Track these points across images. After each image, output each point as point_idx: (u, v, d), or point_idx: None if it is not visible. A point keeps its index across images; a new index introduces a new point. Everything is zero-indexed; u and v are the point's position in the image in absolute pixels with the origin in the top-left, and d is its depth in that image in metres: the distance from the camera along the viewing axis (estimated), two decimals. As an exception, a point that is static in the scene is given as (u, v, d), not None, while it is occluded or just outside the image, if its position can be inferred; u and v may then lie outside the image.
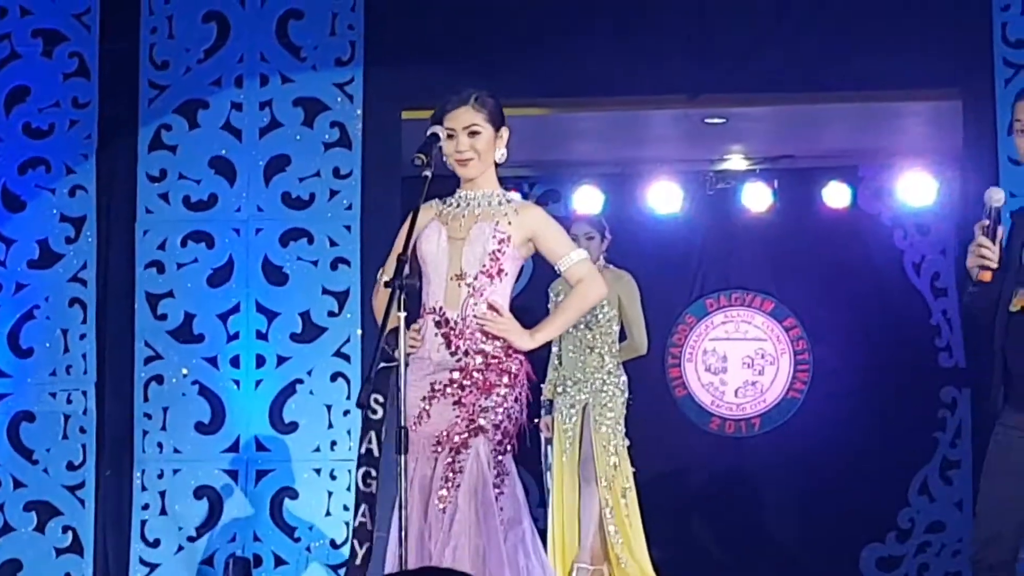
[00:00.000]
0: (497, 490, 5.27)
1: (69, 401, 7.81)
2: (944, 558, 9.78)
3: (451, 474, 5.27)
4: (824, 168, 10.34)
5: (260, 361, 7.77)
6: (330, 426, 7.71)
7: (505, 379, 5.34)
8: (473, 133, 5.42)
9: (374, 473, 5.23)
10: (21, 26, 7.93)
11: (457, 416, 5.30)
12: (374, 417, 5.15)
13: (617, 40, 7.78)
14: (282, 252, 7.80)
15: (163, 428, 7.77)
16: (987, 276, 5.08)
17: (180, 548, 7.73)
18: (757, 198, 10.40)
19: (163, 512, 7.76)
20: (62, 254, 7.88)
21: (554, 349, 8.51)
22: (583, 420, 8.32)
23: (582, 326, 8.34)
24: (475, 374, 5.33)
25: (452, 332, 5.36)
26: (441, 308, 5.37)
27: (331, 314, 7.74)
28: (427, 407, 5.32)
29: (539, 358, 7.09)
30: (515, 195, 5.61)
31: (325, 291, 7.76)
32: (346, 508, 7.64)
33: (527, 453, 5.63)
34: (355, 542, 5.36)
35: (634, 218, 10.34)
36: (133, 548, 7.75)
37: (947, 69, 7.65)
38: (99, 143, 7.90)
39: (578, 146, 10.13)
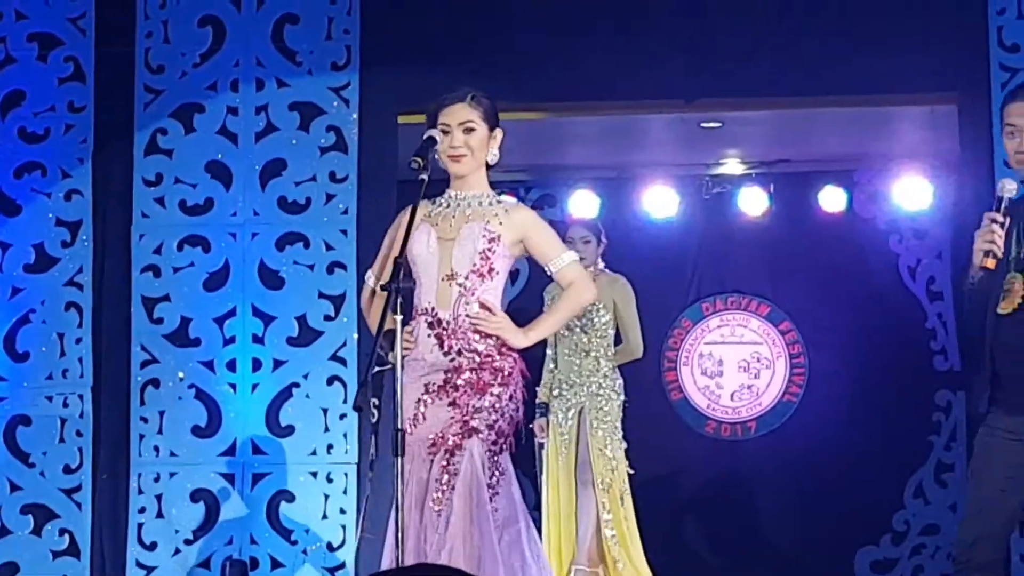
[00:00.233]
0: (492, 491, 5.29)
1: (65, 405, 7.81)
2: (939, 561, 9.78)
3: (446, 476, 5.28)
4: (820, 172, 10.34)
5: (256, 365, 7.77)
6: (326, 429, 7.71)
7: (499, 378, 5.35)
8: (468, 130, 5.44)
9: (372, 477, 5.24)
10: (16, 30, 7.93)
11: (451, 417, 5.31)
12: (373, 421, 5.17)
13: (613, 44, 7.79)
14: (278, 256, 7.81)
15: (159, 432, 7.78)
16: (991, 263, 5.10)
17: (177, 551, 7.74)
18: (753, 202, 10.40)
19: (159, 515, 7.76)
20: (58, 258, 7.88)
21: (549, 352, 8.52)
22: (579, 423, 8.34)
23: (578, 329, 8.35)
24: (468, 374, 5.34)
25: (444, 332, 5.37)
26: (433, 309, 5.39)
27: (327, 318, 7.75)
28: (422, 409, 5.33)
29: (534, 361, 7.10)
30: (509, 198, 5.61)
31: (321, 295, 7.77)
32: (343, 511, 7.66)
33: (522, 456, 5.64)
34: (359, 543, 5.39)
35: (630, 222, 10.34)
36: (130, 551, 7.75)
37: (943, 73, 7.66)
38: (95, 147, 7.91)
39: (574, 150, 10.13)
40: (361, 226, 7.72)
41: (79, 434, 7.81)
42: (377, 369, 5.05)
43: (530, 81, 7.79)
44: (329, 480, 7.69)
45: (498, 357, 5.37)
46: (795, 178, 10.39)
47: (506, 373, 5.38)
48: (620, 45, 7.79)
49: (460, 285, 5.39)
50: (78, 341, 7.83)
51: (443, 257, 5.41)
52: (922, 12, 7.67)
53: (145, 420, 7.78)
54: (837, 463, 10.07)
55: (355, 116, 7.81)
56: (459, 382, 5.33)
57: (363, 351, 7.58)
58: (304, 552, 7.69)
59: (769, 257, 10.57)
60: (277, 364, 7.76)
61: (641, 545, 8.32)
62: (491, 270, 5.41)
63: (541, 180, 10.66)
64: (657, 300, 9.80)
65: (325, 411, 7.72)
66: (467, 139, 5.44)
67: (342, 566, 7.63)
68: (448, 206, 5.50)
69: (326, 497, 7.70)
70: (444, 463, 5.29)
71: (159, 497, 7.76)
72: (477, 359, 5.35)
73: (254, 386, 7.76)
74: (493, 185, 5.59)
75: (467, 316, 5.37)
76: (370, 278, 5.61)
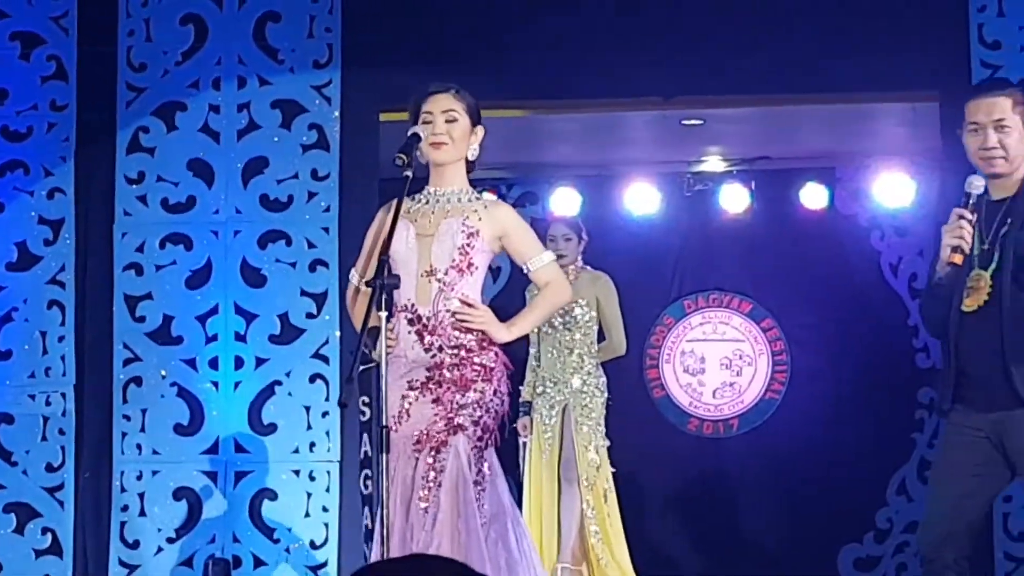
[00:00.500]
0: (479, 487, 5.29)
1: (48, 403, 7.80)
2: (922, 558, 9.80)
3: (432, 473, 5.28)
4: (802, 169, 10.36)
5: (239, 363, 7.76)
6: (309, 427, 7.70)
7: (482, 374, 5.36)
8: (450, 119, 5.46)
9: (370, 474, 5.25)
10: (-2, 29, 7.93)
11: (436, 414, 5.31)
12: (364, 419, 5.18)
13: (595, 42, 7.79)
14: (260, 254, 7.80)
15: (142, 430, 7.76)
16: (959, 259, 5.14)
17: (159, 549, 7.73)
18: (734, 199, 10.42)
19: (142, 514, 7.75)
20: (40, 256, 7.87)
21: (532, 350, 8.53)
22: (563, 421, 8.35)
23: (561, 327, 8.37)
24: (451, 370, 5.35)
25: (425, 329, 5.38)
26: (413, 305, 5.39)
27: (309, 316, 7.74)
28: (406, 406, 5.34)
29: (518, 360, 7.10)
30: (490, 195, 5.63)
31: (303, 293, 7.76)
32: (325, 509, 7.65)
33: (504, 455, 5.64)
34: (365, 545, 5.39)
35: (611, 220, 10.36)
36: (112, 549, 7.74)
37: (924, 70, 7.67)
38: (77, 146, 7.89)
39: (555, 148, 10.14)
40: (343, 224, 7.71)
41: (62, 432, 7.79)
42: (362, 367, 5.06)
43: (511, 79, 7.80)
44: (312, 478, 7.68)
45: (480, 352, 5.38)
46: (777, 175, 10.40)
47: (489, 368, 5.38)
48: (602, 43, 7.79)
49: (439, 281, 5.39)
50: (60, 339, 7.82)
51: (422, 253, 5.42)
52: (903, 10, 7.68)
53: (128, 418, 7.77)
54: (820, 461, 10.10)
55: (337, 114, 7.81)
56: (442, 379, 5.34)
57: (345, 349, 7.58)
58: (287, 550, 7.68)
59: (751, 254, 10.58)
60: (259, 362, 7.75)
61: (625, 542, 8.33)
62: (470, 265, 5.42)
63: (523, 178, 10.67)
64: (639, 297, 9.81)
65: (307, 409, 7.71)
66: (449, 128, 5.46)
67: (324, 564, 7.63)
68: (427, 202, 5.51)
69: (308, 495, 7.69)
70: (430, 460, 5.29)
71: (142, 495, 7.75)
72: (459, 355, 5.36)
73: (236, 384, 7.76)
74: (475, 183, 5.60)
75: (448, 312, 5.37)
76: (354, 276, 5.61)
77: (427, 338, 5.36)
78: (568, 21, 7.79)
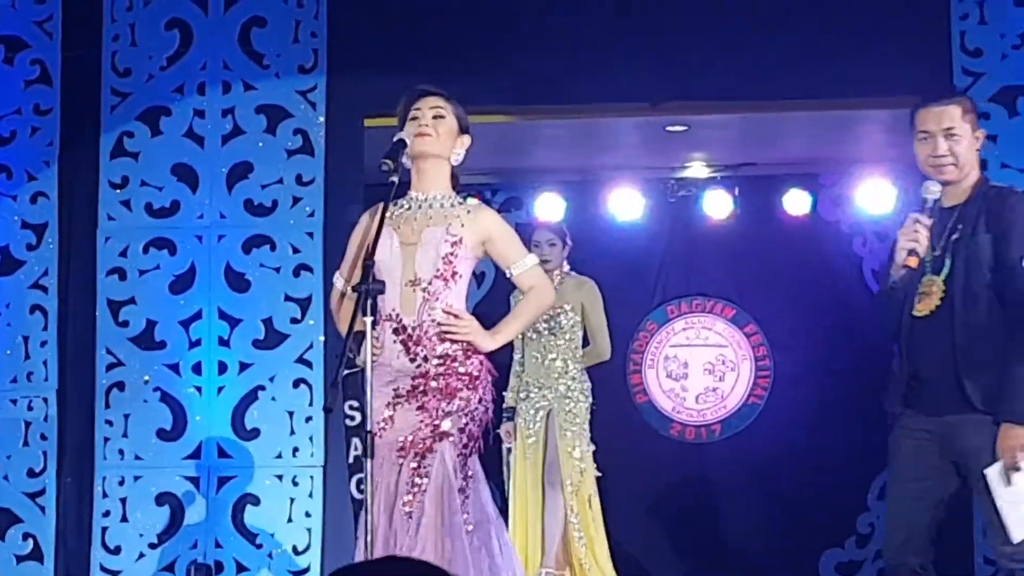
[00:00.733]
0: (463, 494, 5.29)
1: (30, 408, 7.78)
2: (903, 563, 9.82)
3: (417, 479, 5.28)
4: (785, 176, 10.38)
5: (222, 368, 7.76)
6: (292, 432, 7.70)
7: (467, 382, 5.36)
8: (437, 116, 5.48)
9: (362, 479, 5.23)
10: (-18, 33, 7.92)
11: (421, 421, 5.31)
12: (351, 424, 5.16)
13: (579, 48, 7.81)
14: (244, 259, 7.79)
15: (124, 435, 7.75)
16: (914, 261, 5.21)
17: (141, 555, 7.71)
18: (718, 205, 10.44)
19: (124, 519, 7.73)
20: (23, 261, 7.86)
21: (516, 356, 8.54)
22: (548, 426, 8.35)
23: (545, 332, 8.38)
24: (436, 379, 5.35)
25: (410, 339, 5.37)
26: (397, 314, 5.39)
27: (294, 321, 7.74)
28: (391, 413, 5.34)
29: (502, 365, 7.10)
30: (473, 200, 5.63)
31: (287, 298, 7.76)
32: (308, 515, 7.65)
33: (488, 461, 5.64)
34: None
35: (596, 225, 10.37)
36: (94, 555, 7.72)
37: (907, 78, 7.69)
38: (61, 150, 7.88)
39: (540, 153, 10.14)
40: (328, 229, 7.71)
41: (43, 437, 7.78)
42: (347, 372, 5.06)
43: (496, 84, 7.80)
44: (295, 483, 7.68)
45: (465, 360, 5.38)
46: (760, 181, 10.42)
47: (474, 376, 5.39)
48: (587, 49, 7.81)
49: (424, 290, 5.39)
50: (43, 344, 7.81)
51: (406, 262, 5.41)
52: (886, 17, 7.71)
53: (110, 423, 7.75)
54: (802, 466, 10.12)
55: (322, 119, 7.81)
56: (427, 388, 5.34)
57: (330, 354, 7.58)
58: (269, 556, 7.67)
59: (734, 260, 10.60)
60: (243, 367, 7.75)
61: (608, 547, 8.34)
62: (454, 274, 5.42)
63: (507, 183, 10.67)
64: (622, 303, 9.82)
65: (291, 414, 7.71)
66: (435, 123, 5.48)
67: (307, 570, 7.62)
68: (410, 208, 5.50)
69: (292, 500, 7.69)
70: (414, 466, 5.29)
71: (124, 501, 7.73)
72: (444, 364, 5.36)
73: (220, 389, 7.75)
74: (460, 189, 5.60)
75: (433, 322, 5.37)
76: (339, 280, 5.61)
77: (412, 348, 5.36)
78: (553, 28, 7.80)
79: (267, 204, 7.80)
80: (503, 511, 8.43)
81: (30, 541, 7.77)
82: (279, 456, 7.70)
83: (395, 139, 5.39)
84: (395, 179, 5.26)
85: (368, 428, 5.02)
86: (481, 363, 5.42)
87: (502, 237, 5.54)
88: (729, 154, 10.24)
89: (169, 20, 7.88)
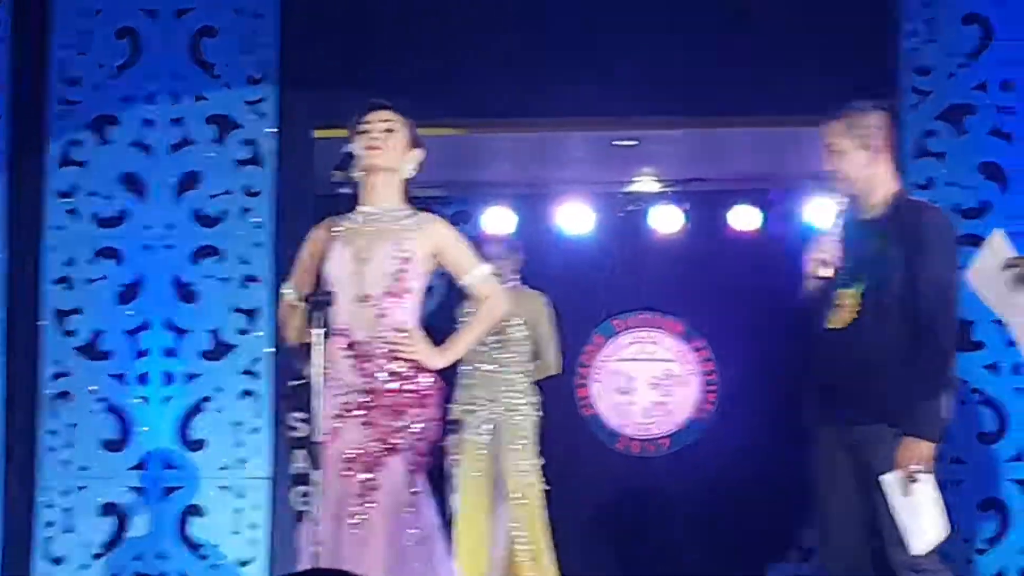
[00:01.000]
0: (410, 508, 5.29)
1: (-26, 418, 7.73)
2: (848, 577, 9.86)
3: (365, 492, 5.27)
4: (734, 191, 10.43)
5: (169, 378, 7.72)
6: (238, 444, 7.67)
7: (417, 399, 5.36)
8: (388, 130, 5.48)
9: (308, 491, 5.19)
10: (-72, 41, 7.85)
11: (370, 436, 5.31)
12: (296, 435, 5.13)
13: (529, 62, 7.82)
14: (192, 269, 7.76)
15: (69, 445, 7.70)
16: (829, 271, 5.27)
17: (85, 566, 7.67)
18: (667, 220, 10.48)
19: (68, 530, 7.68)
20: (-32, 270, 7.81)
21: (464, 368, 8.52)
22: (495, 439, 8.35)
23: (495, 344, 8.37)
24: (386, 396, 5.34)
25: (360, 355, 5.37)
26: (348, 331, 5.38)
27: (241, 332, 7.71)
28: (340, 425, 5.32)
29: (447, 376, 7.10)
30: (425, 213, 5.61)
31: (236, 309, 7.73)
32: (254, 526, 7.62)
33: (434, 472, 5.64)
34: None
35: (545, 238, 10.38)
36: (37, 566, 7.67)
37: (854, 95, 7.69)
38: (7, 159, 7.82)
39: (489, 167, 10.16)
40: (277, 240, 7.69)
41: (-12, 447, 7.73)
42: (297, 383, 5.05)
43: (445, 98, 7.79)
44: (241, 495, 7.65)
45: (416, 377, 5.38)
46: (709, 197, 10.46)
47: (424, 393, 5.38)
48: (536, 63, 7.82)
49: (374, 306, 5.38)
50: (-12, 353, 7.76)
51: (357, 278, 5.40)
52: (833, 35, 7.74)
53: (54, 433, 7.70)
54: (749, 480, 10.14)
55: (272, 130, 7.79)
56: (378, 403, 5.33)
57: (278, 365, 7.56)
58: (214, 567, 7.64)
59: (683, 275, 10.63)
60: (190, 378, 7.71)
61: (554, 561, 8.34)
62: (405, 290, 5.42)
63: (457, 196, 10.67)
64: (570, 316, 9.82)
65: (238, 425, 7.68)
66: (385, 136, 5.47)
67: (253, 582, 7.60)
68: (362, 222, 5.50)
69: (237, 512, 7.66)
70: (363, 479, 5.28)
71: (68, 511, 7.68)
72: (395, 381, 5.35)
73: (166, 399, 7.71)
74: (410, 202, 5.60)
75: (382, 339, 5.36)
76: (289, 291, 5.60)
77: (362, 364, 5.35)
78: (503, 44, 7.81)
79: (216, 215, 7.77)
80: (449, 525, 8.45)
81: (-28, 551, 7.72)
82: (225, 467, 7.66)
83: (344, 151, 5.39)
84: (347, 190, 5.25)
85: (316, 439, 5.00)
86: (433, 380, 5.42)
87: (454, 246, 5.54)
88: (678, 169, 10.28)
89: (119, 29, 7.84)
